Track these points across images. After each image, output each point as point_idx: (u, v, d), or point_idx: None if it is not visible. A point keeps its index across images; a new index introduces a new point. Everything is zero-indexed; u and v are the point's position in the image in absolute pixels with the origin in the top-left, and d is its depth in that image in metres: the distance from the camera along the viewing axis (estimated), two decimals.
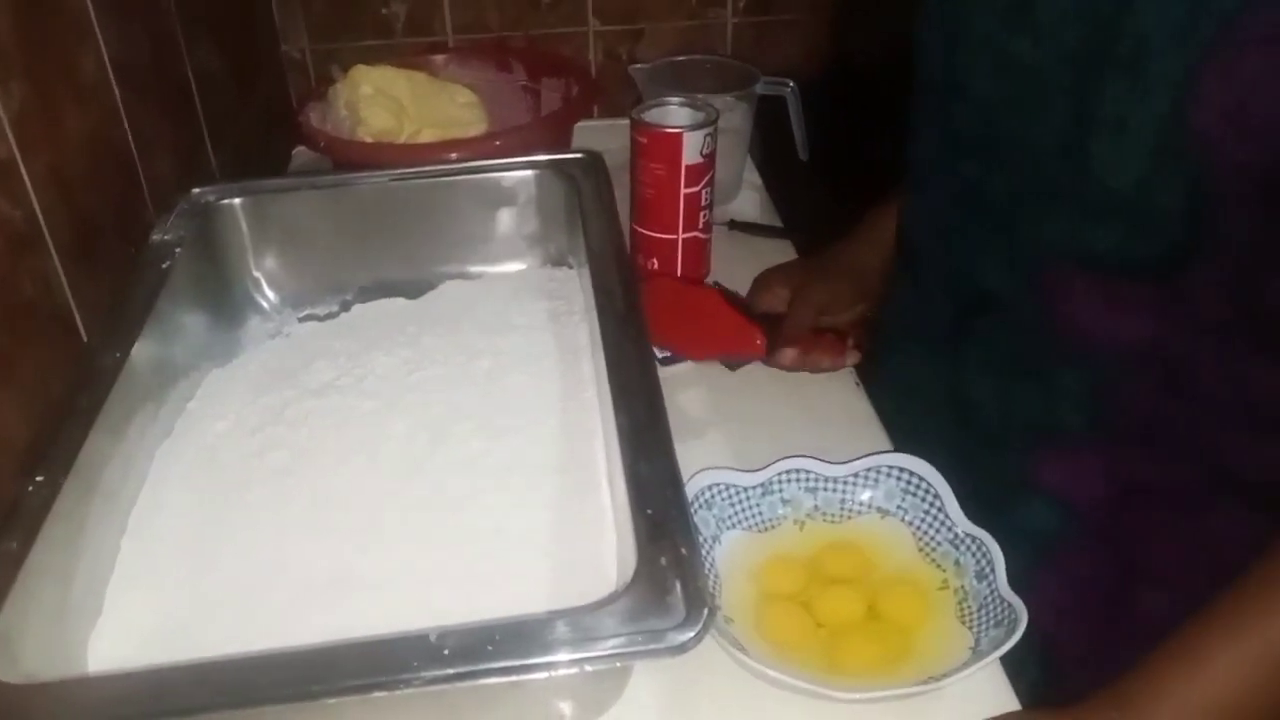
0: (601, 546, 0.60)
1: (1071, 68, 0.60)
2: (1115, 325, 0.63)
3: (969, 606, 0.62)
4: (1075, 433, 0.68)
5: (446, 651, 0.45)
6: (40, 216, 0.64)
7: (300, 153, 1.19)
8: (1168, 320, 0.61)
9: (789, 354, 0.82)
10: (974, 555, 0.64)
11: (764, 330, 0.82)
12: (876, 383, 0.84)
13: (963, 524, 0.65)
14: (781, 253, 1.02)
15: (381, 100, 1.03)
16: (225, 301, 0.82)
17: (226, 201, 0.82)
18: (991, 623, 0.60)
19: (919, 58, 0.74)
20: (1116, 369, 0.64)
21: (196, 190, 0.82)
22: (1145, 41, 0.55)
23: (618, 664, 0.46)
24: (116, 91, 0.77)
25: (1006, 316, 0.70)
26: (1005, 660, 0.58)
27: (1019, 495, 0.71)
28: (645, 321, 0.67)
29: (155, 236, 0.77)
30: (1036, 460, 0.71)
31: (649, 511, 0.52)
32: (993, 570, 0.62)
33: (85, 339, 0.69)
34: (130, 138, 0.79)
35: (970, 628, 0.61)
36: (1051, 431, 0.69)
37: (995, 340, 0.72)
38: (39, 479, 0.55)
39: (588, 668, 0.46)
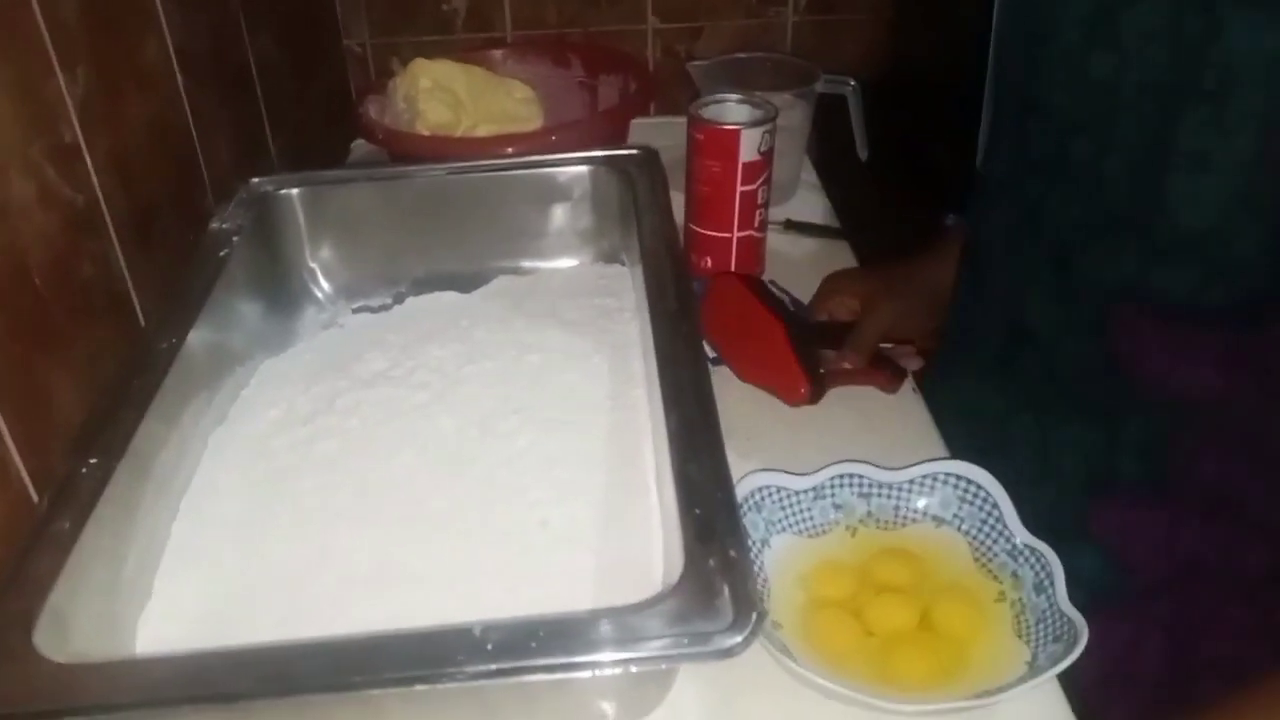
0: (649, 545, 0.59)
1: (1153, 92, 0.56)
2: (1181, 374, 0.59)
3: (1026, 620, 0.60)
4: (1133, 484, 0.64)
5: (490, 646, 0.45)
6: (101, 200, 0.65)
7: (358, 145, 1.20)
8: (1242, 375, 0.57)
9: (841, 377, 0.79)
10: (1033, 568, 0.62)
11: (811, 382, 0.78)
12: (937, 394, 0.81)
13: (1022, 535, 0.63)
14: (838, 253, 1.00)
15: (440, 94, 1.04)
16: (281, 291, 0.83)
17: (285, 191, 0.83)
18: (1050, 637, 0.58)
19: (999, 68, 0.71)
20: (1181, 422, 0.60)
21: (255, 179, 0.83)
22: (1233, 71, 0.51)
23: (663, 666, 0.45)
24: (179, 78, 0.78)
25: (1045, 353, 0.66)
26: (1063, 677, 0.57)
27: (1066, 542, 0.66)
28: (697, 320, 0.66)
29: (214, 224, 0.77)
30: (1088, 508, 0.67)
31: (697, 512, 0.51)
32: (1052, 584, 0.60)
33: (142, 323, 0.69)
34: (191, 125, 0.80)
35: (1028, 642, 0.59)
36: (1107, 479, 0.66)
37: (1032, 376, 0.69)
38: (93, 460, 0.56)
39: (633, 668, 0.45)
